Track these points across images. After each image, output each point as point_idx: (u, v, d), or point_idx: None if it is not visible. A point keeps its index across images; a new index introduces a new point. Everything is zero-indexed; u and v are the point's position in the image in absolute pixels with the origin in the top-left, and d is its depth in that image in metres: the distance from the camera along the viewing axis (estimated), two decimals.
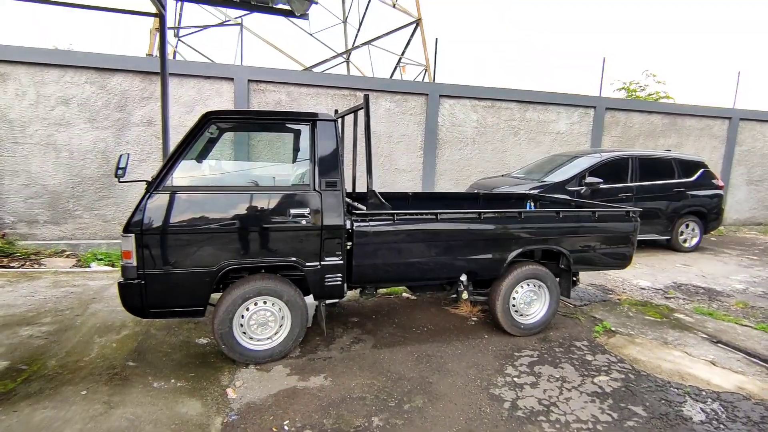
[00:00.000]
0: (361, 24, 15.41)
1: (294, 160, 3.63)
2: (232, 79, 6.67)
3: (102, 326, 3.53)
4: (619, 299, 4.62)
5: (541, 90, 8.38)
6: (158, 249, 2.69)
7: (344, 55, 14.78)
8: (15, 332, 3.37)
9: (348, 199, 3.42)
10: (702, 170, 7.02)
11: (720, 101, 10.68)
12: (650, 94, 14.21)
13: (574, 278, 3.89)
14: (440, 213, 3.23)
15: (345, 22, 16.31)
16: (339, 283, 3.03)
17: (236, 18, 11.83)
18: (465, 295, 3.48)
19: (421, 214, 3.25)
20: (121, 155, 2.90)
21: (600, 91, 9.25)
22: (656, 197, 6.62)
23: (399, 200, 4.46)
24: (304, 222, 2.90)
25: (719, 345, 3.55)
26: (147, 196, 2.68)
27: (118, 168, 2.84)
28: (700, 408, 2.65)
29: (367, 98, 3.09)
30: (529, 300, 3.59)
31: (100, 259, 5.60)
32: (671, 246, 7.00)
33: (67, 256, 5.81)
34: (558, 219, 3.55)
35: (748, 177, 10.13)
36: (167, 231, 2.69)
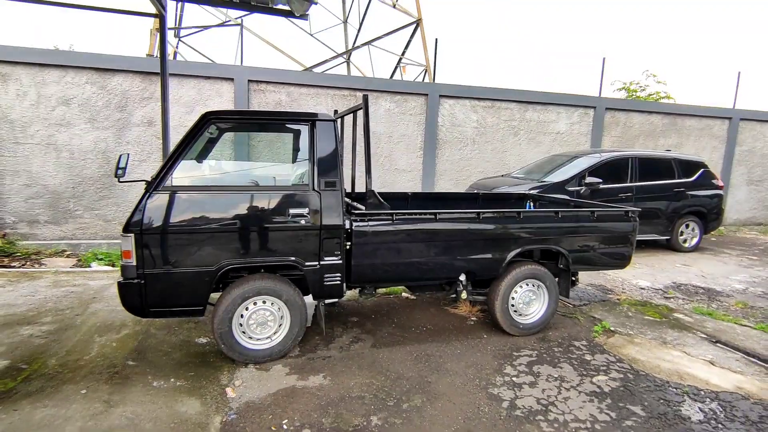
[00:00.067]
0: (361, 24, 15.44)
1: (293, 161, 3.65)
2: (232, 79, 6.68)
3: (102, 325, 3.54)
4: (618, 299, 4.63)
5: (540, 90, 8.38)
6: (158, 249, 2.70)
7: (344, 56, 14.79)
8: (16, 331, 3.38)
9: (347, 199, 3.43)
10: (702, 170, 7.03)
11: (720, 101, 10.67)
12: (650, 95, 14.21)
13: (573, 278, 3.90)
14: (439, 213, 3.24)
15: (345, 22, 16.33)
16: (338, 282, 3.04)
17: (236, 18, 11.85)
18: (464, 295, 3.49)
19: (420, 214, 3.25)
20: (120, 155, 2.91)
21: (600, 91, 9.25)
22: (656, 197, 6.63)
23: (398, 200, 4.47)
24: (303, 222, 2.91)
25: (718, 345, 3.55)
26: (146, 196, 2.69)
27: (118, 168, 2.85)
28: (699, 407, 2.65)
29: (366, 99, 3.10)
30: (528, 300, 3.60)
31: (101, 259, 5.62)
32: (671, 246, 7.00)
33: (68, 256, 5.82)
34: (557, 219, 3.55)
35: (749, 177, 10.12)
36: (167, 231, 2.70)
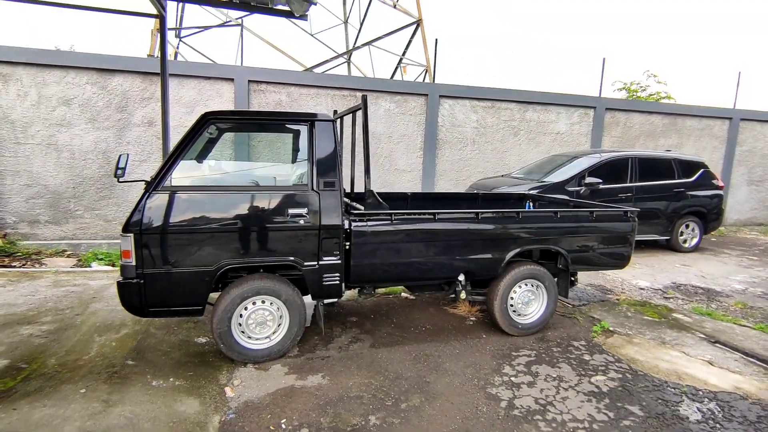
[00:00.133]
0: (361, 24, 15.46)
1: (293, 161, 3.65)
2: (232, 79, 6.69)
3: (102, 325, 3.55)
4: (617, 299, 4.63)
5: (540, 90, 8.38)
6: (157, 248, 2.71)
7: (345, 56, 14.81)
8: (15, 331, 3.39)
9: (346, 199, 3.43)
10: (702, 170, 7.02)
11: (721, 101, 10.65)
12: (651, 95, 14.19)
13: (573, 278, 3.90)
14: (438, 213, 3.25)
15: (346, 22, 16.36)
16: (337, 282, 3.05)
17: (237, 19, 11.87)
18: (463, 295, 3.49)
19: (419, 214, 3.26)
20: (120, 155, 2.92)
21: (600, 91, 9.25)
22: (656, 197, 6.62)
23: (398, 200, 4.47)
24: (302, 222, 2.91)
25: (717, 345, 3.55)
26: (146, 196, 2.70)
27: (117, 168, 2.86)
28: (697, 407, 2.66)
29: (365, 99, 3.10)
30: (527, 300, 3.60)
31: (101, 259, 5.63)
32: (671, 246, 7.00)
33: (68, 256, 5.84)
34: (556, 219, 3.55)
35: (749, 177, 10.11)
36: (166, 231, 2.71)
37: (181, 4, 11.62)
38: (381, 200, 3.39)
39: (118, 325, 3.55)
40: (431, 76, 8.73)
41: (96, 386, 2.65)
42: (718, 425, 2.49)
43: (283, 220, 2.88)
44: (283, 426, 2.35)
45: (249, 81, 6.77)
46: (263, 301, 2.97)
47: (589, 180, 6.14)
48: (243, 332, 2.97)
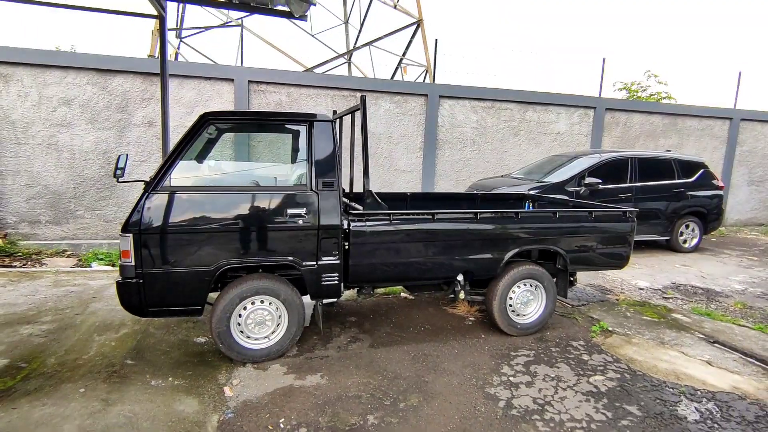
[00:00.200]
0: (362, 25, 15.47)
1: (292, 161, 3.66)
2: (232, 80, 6.71)
3: (101, 325, 3.56)
4: (617, 299, 4.63)
5: (540, 90, 8.38)
6: (156, 248, 2.72)
7: (345, 56, 14.82)
8: (15, 330, 3.40)
9: (345, 200, 3.44)
10: (702, 171, 7.02)
11: (721, 101, 10.65)
12: (652, 95, 14.18)
13: (572, 278, 3.90)
14: (436, 213, 3.25)
15: (346, 23, 16.38)
16: (335, 282, 3.05)
17: (237, 19, 11.89)
18: (462, 295, 3.49)
19: (418, 214, 3.27)
20: (119, 155, 2.93)
21: (600, 91, 9.25)
22: (656, 198, 6.62)
23: (397, 201, 4.48)
24: (301, 222, 2.92)
25: (716, 345, 3.55)
26: (145, 196, 2.71)
27: (117, 168, 2.87)
28: (695, 407, 2.66)
29: (363, 99, 3.11)
30: (525, 300, 3.60)
31: (101, 259, 5.64)
32: (671, 247, 6.99)
33: (69, 256, 5.85)
34: (554, 219, 3.56)
35: (749, 177, 10.11)
36: (165, 230, 2.71)
37: (181, 5, 11.65)
38: (380, 200, 3.40)
39: (118, 325, 3.56)
40: (431, 77, 8.74)
41: (95, 385, 2.66)
42: (716, 425, 2.49)
43: (281, 220, 2.89)
44: (282, 425, 2.36)
45: (249, 81, 6.79)
46: (262, 301, 2.98)
47: (588, 180, 6.14)
48: (242, 332, 2.98)
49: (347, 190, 4.13)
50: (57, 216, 6.22)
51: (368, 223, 3.10)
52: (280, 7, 4.88)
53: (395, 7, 13.67)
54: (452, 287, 3.53)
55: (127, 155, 2.98)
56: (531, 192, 5.60)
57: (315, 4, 4.49)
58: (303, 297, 3.11)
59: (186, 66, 6.96)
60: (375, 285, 3.46)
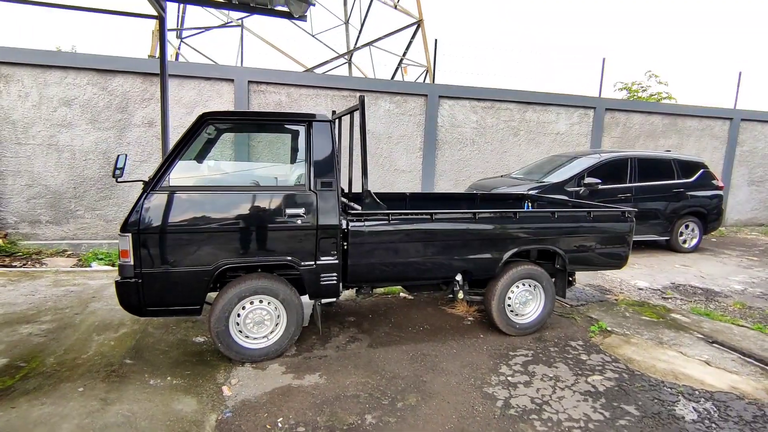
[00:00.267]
0: (362, 25, 15.48)
1: (291, 161, 3.67)
2: (232, 80, 6.72)
3: (101, 324, 3.57)
4: (616, 299, 4.63)
5: (540, 90, 8.39)
6: (155, 248, 2.73)
7: (346, 56, 14.83)
8: (15, 330, 3.41)
9: (344, 199, 3.44)
10: (702, 171, 7.02)
11: (721, 101, 10.65)
12: (652, 95, 14.17)
13: (570, 278, 3.91)
14: (435, 213, 3.25)
15: (347, 23, 16.39)
16: (334, 282, 3.06)
17: (238, 20, 11.91)
18: (461, 295, 3.50)
19: (416, 214, 3.27)
20: (118, 155, 2.94)
21: (600, 91, 9.25)
22: (655, 198, 6.62)
23: (396, 201, 4.48)
24: (299, 222, 2.92)
25: (715, 345, 3.55)
26: (144, 196, 2.72)
27: (116, 168, 2.88)
28: (693, 407, 2.66)
29: (362, 99, 3.11)
30: (524, 300, 3.61)
31: (101, 259, 5.65)
32: (670, 247, 6.99)
33: (69, 256, 5.86)
34: (553, 219, 3.56)
35: (750, 178, 10.10)
36: (164, 230, 2.72)
37: (182, 6, 11.67)
38: (379, 200, 3.40)
39: (117, 325, 3.56)
40: (431, 77, 8.74)
41: (94, 385, 2.67)
42: (713, 425, 2.49)
43: (280, 220, 2.89)
44: (280, 425, 2.36)
45: (249, 81, 6.80)
46: (261, 301, 2.99)
47: (588, 180, 6.14)
48: (241, 332, 2.98)
49: (346, 190, 4.13)
50: (57, 216, 6.23)
51: (367, 223, 3.10)
52: (279, 8, 4.90)
53: (395, 7, 13.68)
54: (451, 287, 3.54)
55: (126, 155, 2.99)
56: (530, 192, 5.60)
57: (314, 5, 4.50)
58: (302, 297, 3.12)
59: (186, 66, 6.97)
60: (374, 285, 3.46)
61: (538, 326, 3.65)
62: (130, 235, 2.68)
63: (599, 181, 6.16)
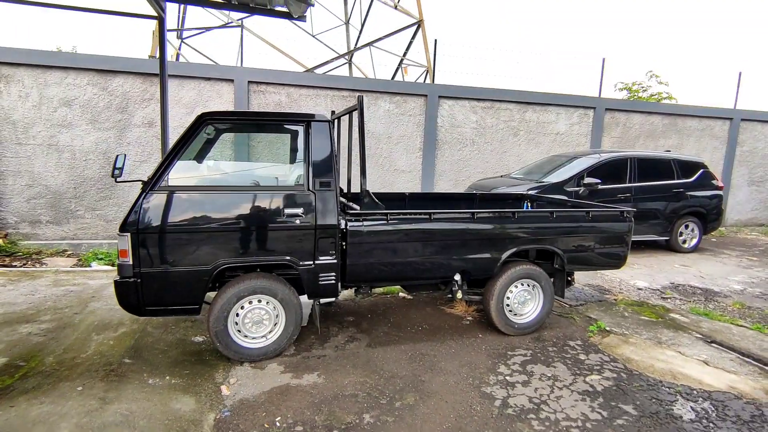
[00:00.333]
0: (363, 25, 15.49)
1: (290, 161, 3.67)
2: (232, 80, 6.73)
3: (100, 324, 3.58)
4: (615, 299, 4.63)
5: (540, 91, 8.39)
6: (154, 248, 2.73)
7: (346, 57, 14.84)
8: (14, 329, 3.42)
9: (342, 199, 3.45)
10: (701, 171, 7.01)
11: (721, 101, 10.65)
12: (653, 95, 14.17)
13: (569, 278, 3.91)
14: (433, 213, 3.26)
15: (347, 23, 16.40)
16: (333, 282, 3.06)
17: (238, 20, 11.92)
18: (459, 295, 3.50)
19: (415, 213, 3.27)
20: (117, 155, 2.94)
21: (599, 91, 9.25)
22: (655, 198, 6.62)
23: (396, 201, 4.49)
24: (298, 222, 2.93)
25: (713, 345, 3.55)
26: (142, 195, 2.72)
27: (114, 168, 2.89)
28: (691, 407, 2.66)
29: (360, 99, 3.12)
30: (523, 299, 3.61)
31: (101, 259, 5.66)
32: (670, 247, 6.99)
33: (69, 256, 5.87)
34: (551, 219, 3.56)
35: (750, 178, 10.09)
36: (162, 230, 2.73)
37: (182, 6, 11.68)
38: (377, 200, 3.41)
39: (116, 324, 3.57)
40: (431, 77, 8.75)
41: (93, 384, 2.68)
42: (711, 424, 2.49)
43: (279, 219, 2.90)
44: (278, 424, 2.37)
45: (249, 82, 6.81)
46: (260, 300, 2.99)
47: (587, 180, 6.15)
48: (239, 331, 2.99)
49: (345, 190, 4.14)
50: (57, 216, 6.24)
51: (365, 223, 3.11)
52: (278, 8, 4.90)
53: (396, 7, 13.69)
54: (450, 287, 3.54)
55: (125, 155, 3.00)
56: (530, 192, 5.60)
57: (313, 5, 4.51)
58: (301, 296, 3.12)
59: (186, 66, 6.98)
60: (372, 285, 3.47)
61: (537, 326, 3.65)
62: (128, 234, 2.69)
63: (599, 181, 6.16)
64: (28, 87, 6.00)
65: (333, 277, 3.06)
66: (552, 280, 3.72)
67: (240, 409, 2.50)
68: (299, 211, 2.93)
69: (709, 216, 7.01)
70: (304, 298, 3.14)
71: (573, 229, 3.61)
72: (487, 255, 3.41)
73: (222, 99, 6.75)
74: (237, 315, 2.96)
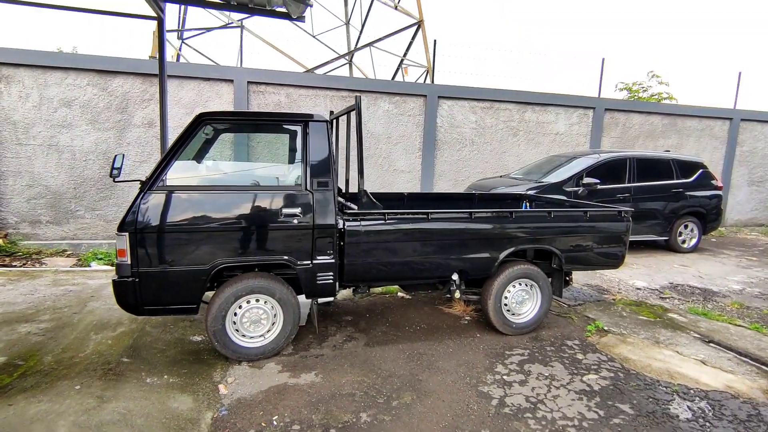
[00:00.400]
0: (363, 26, 15.50)
1: (289, 161, 3.68)
2: (231, 80, 6.74)
3: (99, 323, 3.59)
4: (613, 299, 4.63)
5: (539, 91, 8.39)
6: (152, 247, 2.74)
7: (346, 57, 14.86)
8: (13, 329, 3.43)
9: (340, 199, 3.46)
10: (701, 171, 7.01)
11: (721, 101, 10.65)
12: (653, 95, 14.17)
13: (567, 278, 3.91)
14: (431, 212, 3.27)
15: (347, 24, 16.42)
16: (330, 281, 3.07)
17: (238, 21, 11.94)
18: (457, 295, 3.51)
19: (412, 213, 3.28)
20: (116, 155, 2.95)
21: (599, 91, 9.25)
22: (654, 198, 6.62)
23: (394, 201, 4.50)
24: (296, 221, 2.94)
25: (711, 344, 3.56)
26: (141, 195, 2.73)
27: (113, 168, 2.90)
28: (687, 406, 2.66)
29: (358, 99, 3.13)
30: (521, 299, 3.61)
31: (101, 259, 5.68)
32: (670, 247, 6.99)
33: (69, 256, 5.89)
34: (549, 219, 3.57)
35: (750, 178, 10.08)
36: (161, 230, 2.74)
37: (182, 6, 11.71)
38: (375, 200, 3.42)
39: (115, 324, 3.58)
40: (431, 77, 8.76)
41: (91, 383, 2.69)
42: (708, 423, 2.50)
43: (277, 219, 2.91)
44: (275, 423, 2.38)
45: (248, 82, 6.82)
46: (257, 300, 3.00)
47: (586, 180, 6.15)
48: (237, 330, 3.00)
49: (343, 190, 4.15)
50: (57, 216, 6.26)
51: (363, 223, 3.11)
52: (277, 9, 4.91)
53: (396, 8, 13.70)
54: (448, 286, 3.55)
55: (123, 155, 3.01)
56: (529, 192, 5.60)
57: (312, 5, 4.52)
58: (299, 296, 3.13)
59: (185, 67, 7.00)
60: (370, 284, 3.47)
61: (535, 326, 3.66)
62: (127, 234, 2.70)
63: (598, 181, 6.16)
64: (29, 87, 6.01)
65: (331, 277, 3.06)
66: (550, 279, 3.72)
67: (237, 407, 2.50)
68: (297, 210, 2.94)
69: (709, 216, 7.01)
70: (302, 298, 3.15)
71: (571, 229, 3.62)
72: (485, 255, 3.41)
73: (221, 99, 6.76)
74: (235, 314, 2.96)
